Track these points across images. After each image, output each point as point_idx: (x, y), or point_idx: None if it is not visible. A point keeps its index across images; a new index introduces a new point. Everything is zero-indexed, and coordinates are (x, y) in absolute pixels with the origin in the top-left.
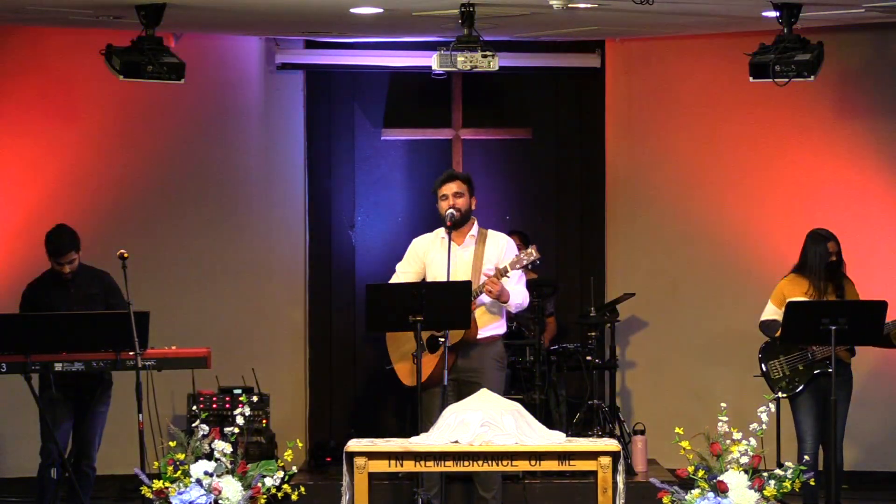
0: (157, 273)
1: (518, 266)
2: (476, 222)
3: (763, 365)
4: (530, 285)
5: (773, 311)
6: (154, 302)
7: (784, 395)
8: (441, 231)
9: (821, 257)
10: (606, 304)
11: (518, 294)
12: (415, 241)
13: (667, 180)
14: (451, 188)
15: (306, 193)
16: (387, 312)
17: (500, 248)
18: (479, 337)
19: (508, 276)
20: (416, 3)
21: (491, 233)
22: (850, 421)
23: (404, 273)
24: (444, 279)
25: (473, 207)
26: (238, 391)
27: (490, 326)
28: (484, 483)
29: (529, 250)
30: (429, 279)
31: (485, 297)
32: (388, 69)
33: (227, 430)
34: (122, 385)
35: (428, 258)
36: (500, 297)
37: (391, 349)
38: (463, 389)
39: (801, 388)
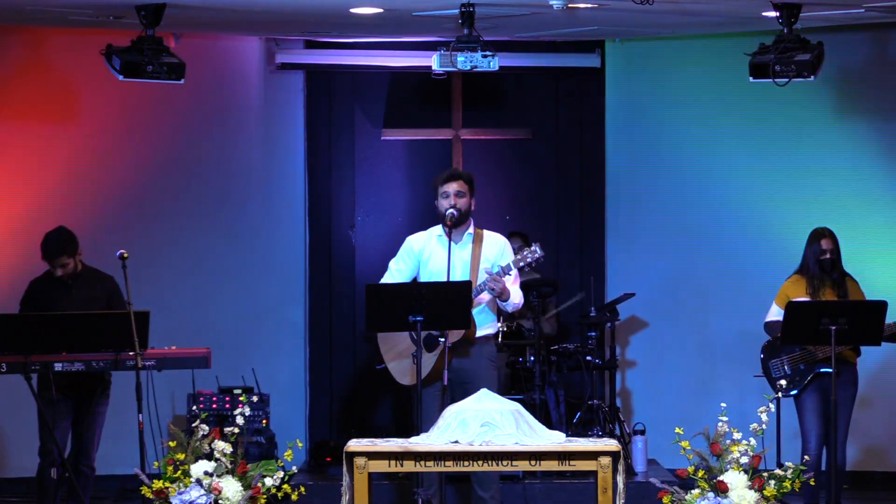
0: (158, 273)
1: (522, 263)
2: (472, 222)
3: (765, 364)
4: (531, 285)
5: (777, 312)
6: (154, 302)
7: (786, 395)
8: (436, 229)
9: (814, 255)
10: (606, 304)
11: (516, 294)
12: (409, 238)
13: (667, 180)
14: (453, 187)
15: (306, 193)
16: (386, 312)
17: (497, 248)
18: (475, 337)
19: (510, 275)
20: (416, 4)
21: (486, 233)
22: (852, 420)
23: (398, 270)
24: (442, 278)
25: (472, 208)
26: (238, 391)
27: (484, 326)
28: (482, 483)
29: (533, 248)
30: (424, 278)
31: (483, 296)
32: (388, 69)
33: (227, 430)
34: (122, 385)
35: (423, 257)
36: (502, 295)
37: (384, 348)
38: (457, 389)
39: (803, 387)
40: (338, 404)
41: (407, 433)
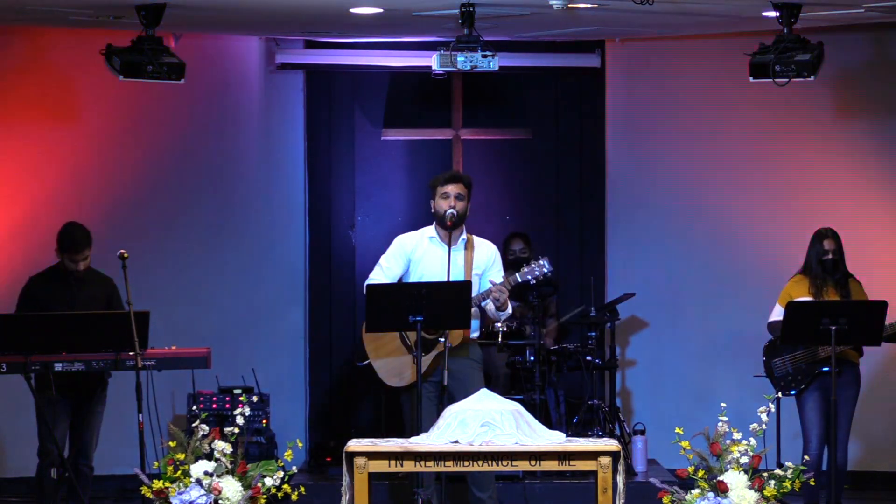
0: (157, 273)
1: (529, 276)
2: (464, 228)
3: (768, 364)
4: (531, 285)
5: (780, 312)
6: (154, 302)
7: (787, 394)
8: (428, 230)
9: (817, 255)
10: (606, 304)
11: (510, 304)
12: (401, 238)
13: (667, 180)
14: (453, 189)
15: (306, 193)
16: (387, 313)
17: (489, 256)
18: (468, 339)
19: (510, 286)
20: (416, 3)
21: (478, 240)
22: (854, 420)
23: (388, 268)
24: (435, 280)
25: (467, 213)
26: (238, 391)
27: (473, 330)
28: (479, 484)
29: (541, 262)
30: (415, 279)
31: (484, 304)
32: (388, 69)
33: (227, 430)
34: (122, 385)
35: (415, 257)
36: (502, 307)
37: (370, 347)
38: (442, 390)
39: (805, 386)
40: (338, 404)
41: (387, 431)
